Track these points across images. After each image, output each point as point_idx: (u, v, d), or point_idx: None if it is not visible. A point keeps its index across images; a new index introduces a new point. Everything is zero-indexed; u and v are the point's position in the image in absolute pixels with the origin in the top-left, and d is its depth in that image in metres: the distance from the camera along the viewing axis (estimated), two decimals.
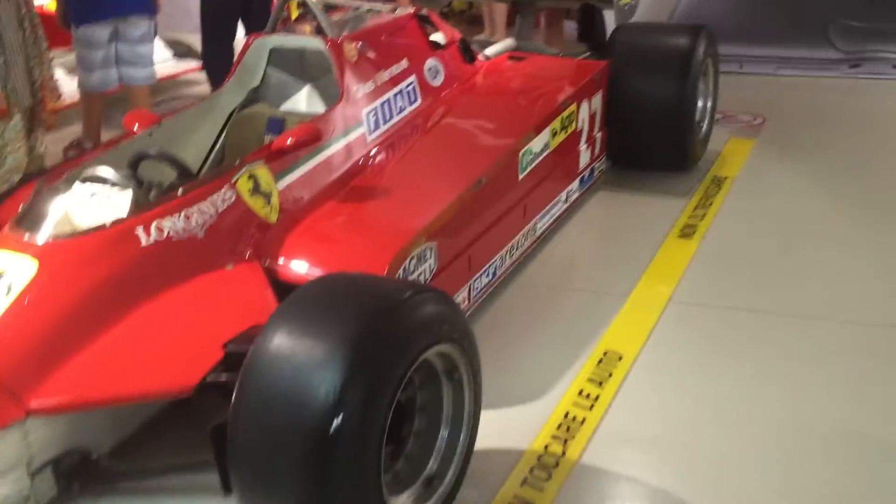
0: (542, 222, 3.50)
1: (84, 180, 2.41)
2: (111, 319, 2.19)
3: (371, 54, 3.26)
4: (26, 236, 2.22)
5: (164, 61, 6.25)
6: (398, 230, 2.63)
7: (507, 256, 3.22)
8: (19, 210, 2.34)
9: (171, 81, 6.39)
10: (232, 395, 1.86)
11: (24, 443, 2.04)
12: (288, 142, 2.70)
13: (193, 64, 6.50)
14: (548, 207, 3.56)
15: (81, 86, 4.75)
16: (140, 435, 2.36)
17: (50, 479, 2.13)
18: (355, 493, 1.77)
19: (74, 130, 5.02)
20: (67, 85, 5.24)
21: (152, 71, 4.91)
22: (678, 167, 4.29)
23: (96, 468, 2.19)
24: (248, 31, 5.25)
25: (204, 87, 6.59)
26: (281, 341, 1.84)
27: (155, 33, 4.97)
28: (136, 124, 2.92)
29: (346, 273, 2.23)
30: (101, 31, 4.49)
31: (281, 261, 2.53)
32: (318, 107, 3.27)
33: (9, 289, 2.10)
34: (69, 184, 2.41)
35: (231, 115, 3.25)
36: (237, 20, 5.18)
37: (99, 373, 2.09)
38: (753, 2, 6.55)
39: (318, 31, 3.29)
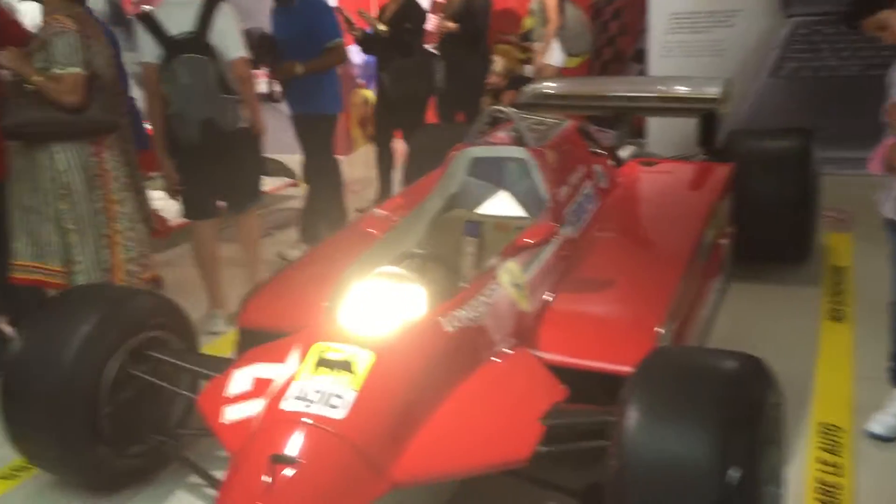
0: (705, 311, 3.76)
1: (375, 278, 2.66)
2: (437, 399, 2.40)
3: (561, 161, 3.59)
4: (357, 328, 2.44)
5: None
6: (646, 318, 2.85)
7: (697, 341, 3.46)
8: (333, 304, 2.57)
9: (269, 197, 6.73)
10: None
11: None
12: (530, 240, 2.97)
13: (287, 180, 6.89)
14: (711, 296, 3.83)
15: None
16: None
17: None
18: None
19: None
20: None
21: None
22: (800, 259, 4.61)
23: None
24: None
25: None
26: (652, 414, 2.08)
27: None
28: (373, 229, 3.20)
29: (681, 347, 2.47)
30: None
31: (544, 346, 2.77)
32: (514, 210, 3.56)
33: (355, 377, 2.31)
34: (360, 279, 2.65)
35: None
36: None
37: (443, 447, 2.29)
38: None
39: (517, 140, 3.61)
